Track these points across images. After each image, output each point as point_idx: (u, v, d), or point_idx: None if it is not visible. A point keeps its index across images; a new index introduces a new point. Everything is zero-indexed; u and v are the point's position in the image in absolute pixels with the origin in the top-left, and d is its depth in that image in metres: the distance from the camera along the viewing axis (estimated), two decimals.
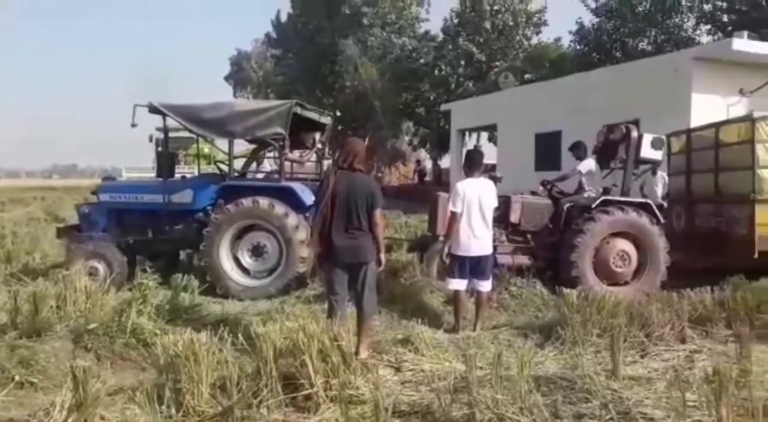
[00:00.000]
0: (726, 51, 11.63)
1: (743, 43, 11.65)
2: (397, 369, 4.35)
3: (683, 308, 5.17)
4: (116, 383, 3.95)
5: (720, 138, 7.48)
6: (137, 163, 25.50)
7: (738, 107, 11.64)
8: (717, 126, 7.68)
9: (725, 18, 22.17)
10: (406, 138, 30.30)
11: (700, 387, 3.58)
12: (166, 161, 7.42)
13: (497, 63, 24.62)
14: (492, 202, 5.57)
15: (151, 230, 7.42)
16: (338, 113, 29.04)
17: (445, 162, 27.74)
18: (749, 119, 6.99)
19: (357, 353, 4.31)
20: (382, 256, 4.69)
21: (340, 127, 29.00)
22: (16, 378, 4.00)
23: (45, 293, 5.13)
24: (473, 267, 5.51)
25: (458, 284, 5.54)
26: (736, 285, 5.89)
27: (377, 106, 26.06)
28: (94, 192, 7.98)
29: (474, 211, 5.42)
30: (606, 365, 4.26)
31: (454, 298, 5.66)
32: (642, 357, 4.60)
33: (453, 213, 5.49)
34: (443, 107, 21.98)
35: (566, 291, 5.38)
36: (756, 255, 6.61)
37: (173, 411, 3.52)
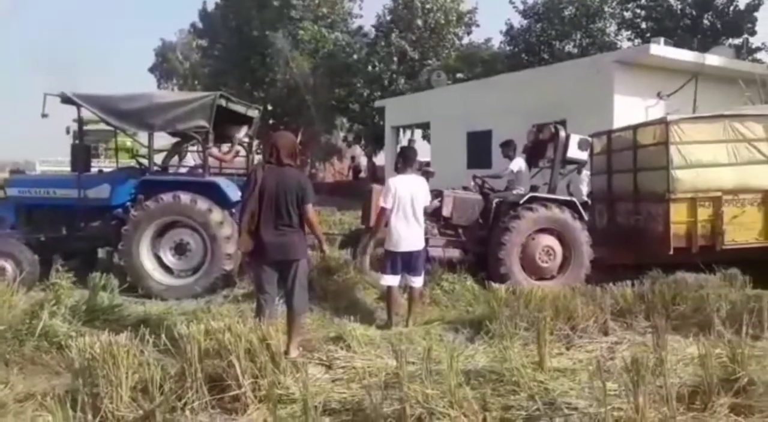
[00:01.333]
0: (644, 55, 12.31)
1: (660, 49, 12.38)
2: (329, 367, 4.32)
3: (606, 301, 5.41)
4: (26, 389, 3.72)
5: (637, 139, 7.84)
6: (53, 156, 24.06)
7: (656, 109, 12.31)
8: (635, 128, 8.03)
9: (644, 25, 23.46)
10: (341, 134, 30.18)
11: (620, 376, 3.75)
12: (80, 154, 7.03)
13: (429, 61, 24.93)
14: (424, 199, 5.63)
15: (65, 227, 7.05)
16: (269, 107, 28.55)
17: (380, 158, 27.86)
18: (663, 122, 7.32)
19: (287, 352, 4.25)
20: (325, 248, 4.67)
21: (271, 122, 28.54)
22: None
23: None
24: (405, 263, 5.56)
25: (391, 280, 5.58)
26: (654, 279, 6.22)
27: (309, 101, 25.81)
28: (0, 186, 7.47)
29: (406, 207, 5.48)
30: (533, 357, 4.39)
31: (386, 294, 5.69)
32: (567, 349, 4.78)
33: (383, 209, 5.52)
34: (377, 103, 22.05)
35: (495, 285, 5.52)
36: (671, 252, 6.98)
37: (90, 416, 3.33)
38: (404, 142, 20.54)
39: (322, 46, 25.81)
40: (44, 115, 6.51)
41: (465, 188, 7.79)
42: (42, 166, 21.98)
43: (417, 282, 5.67)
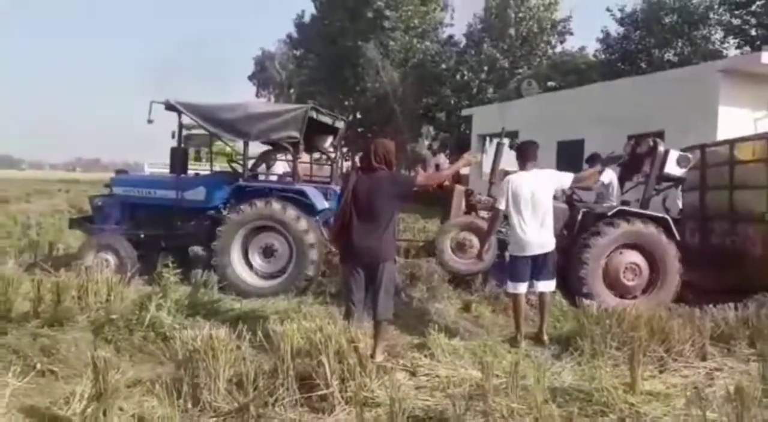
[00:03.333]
0: (754, 64, 11.46)
1: None
2: (413, 374, 4.34)
3: (705, 324, 5.08)
4: (135, 375, 3.99)
5: (735, 154, 7.35)
6: (161, 159, 25.70)
7: (766, 122, 11.45)
8: (732, 142, 7.54)
9: (753, 32, 21.87)
10: (426, 142, 30.28)
11: (720, 405, 3.51)
12: (179, 157, 7.46)
13: (520, 70, 24.52)
14: (546, 194, 5.23)
15: (162, 225, 7.44)
16: (358, 116, 29.10)
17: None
18: (765, 137, 6.87)
19: (373, 356, 4.31)
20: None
21: (360, 129, 29.07)
22: (38, 366, 4.07)
23: (67, 283, 5.21)
24: (535, 267, 5.26)
25: (517, 287, 5.27)
26: (760, 302, 5.76)
27: (397, 109, 26.08)
28: (107, 184, 8.05)
29: (527, 205, 5.18)
30: (624, 378, 4.19)
31: (513, 304, 5.42)
32: (661, 372, 4.53)
33: (496, 211, 5.37)
34: (465, 112, 21.94)
35: (585, 302, 5.32)
36: None
37: (190, 405, 3.55)
38: (490, 153, 20.27)
39: (411, 56, 26.03)
40: (150, 121, 6.92)
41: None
42: (150, 167, 23.47)
43: (549, 286, 5.38)
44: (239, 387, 3.63)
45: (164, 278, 5.37)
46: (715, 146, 8.06)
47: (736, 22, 22.21)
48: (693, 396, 3.62)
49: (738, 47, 22.11)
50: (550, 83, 23.32)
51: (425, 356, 4.63)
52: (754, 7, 21.70)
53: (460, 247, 6.52)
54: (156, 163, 25.17)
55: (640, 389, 4.00)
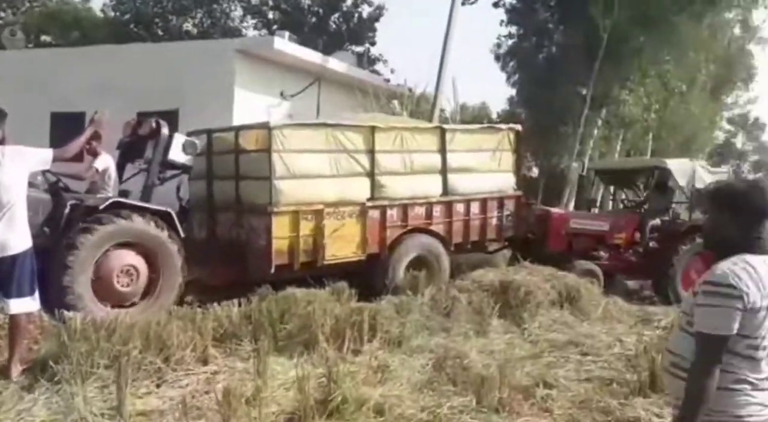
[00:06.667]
0: (268, 48, 13.05)
1: (284, 44, 13.33)
2: None
3: (207, 325, 5.53)
4: None
5: (240, 143, 8.14)
6: None
7: (280, 109, 13.22)
8: (237, 130, 8.37)
9: (271, 15, 25.37)
10: None
11: (215, 413, 3.86)
12: None
13: (1, 14, 22.15)
14: (14, 178, 4.91)
15: None
16: None
17: None
18: (266, 126, 7.74)
19: None
20: None
21: None
22: None
23: None
24: None
25: None
26: (262, 296, 6.62)
27: None
28: None
29: None
30: (113, 402, 4.18)
31: None
32: (158, 386, 4.70)
33: None
34: None
35: (68, 314, 5.09)
36: (273, 270, 7.44)
37: None
38: None
39: None
40: None
41: (31, 184, 6.91)
42: None
43: (23, 305, 4.87)
44: None
45: None
46: (221, 132, 8.71)
47: (255, 1, 25.29)
48: (182, 409, 3.85)
49: (256, 29, 25.26)
50: (45, 38, 21.79)
51: None
52: None
53: None
54: None
55: (129, 411, 4.05)
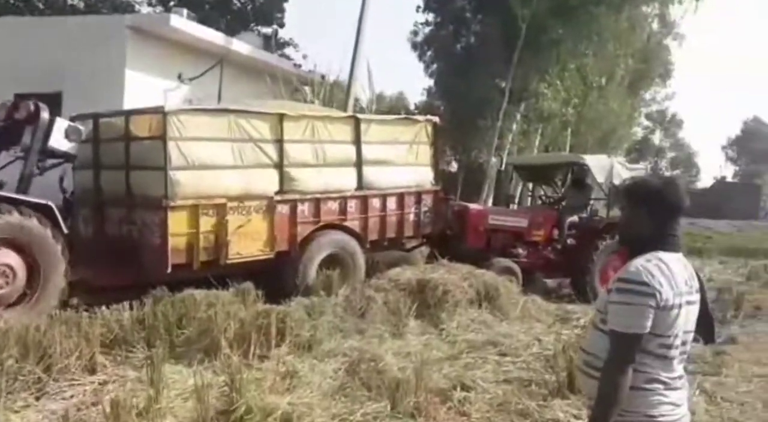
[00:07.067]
0: (163, 26, 12.62)
1: (182, 22, 12.94)
2: None
3: (95, 331, 5.35)
4: None
5: (131, 129, 7.86)
6: None
7: (178, 93, 12.88)
8: (127, 114, 8.09)
9: None
10: None
11: None
12: None
13: None
14: None
15: None
16: None
17: None
18: (160, 111, 7.48)
19: None
20: None
21: None
22: None
23: None
24: None
25: None
26: (157, 298, 6.43)
27: None
28: None
29: None
30: None
31: None
32: (38, 398, 4.55)
33: None
34: None
35: None
36: (169, 270, 7.16)
37: None
38: None
39: None
40: None
41: None
42: None
43: None
44: None
45: None
46: (110, 117, 8.37)
47: None
48: None
49: (151, 5, 24.48)
50: None
51: None
52: None
53: None
54: None
55: None
